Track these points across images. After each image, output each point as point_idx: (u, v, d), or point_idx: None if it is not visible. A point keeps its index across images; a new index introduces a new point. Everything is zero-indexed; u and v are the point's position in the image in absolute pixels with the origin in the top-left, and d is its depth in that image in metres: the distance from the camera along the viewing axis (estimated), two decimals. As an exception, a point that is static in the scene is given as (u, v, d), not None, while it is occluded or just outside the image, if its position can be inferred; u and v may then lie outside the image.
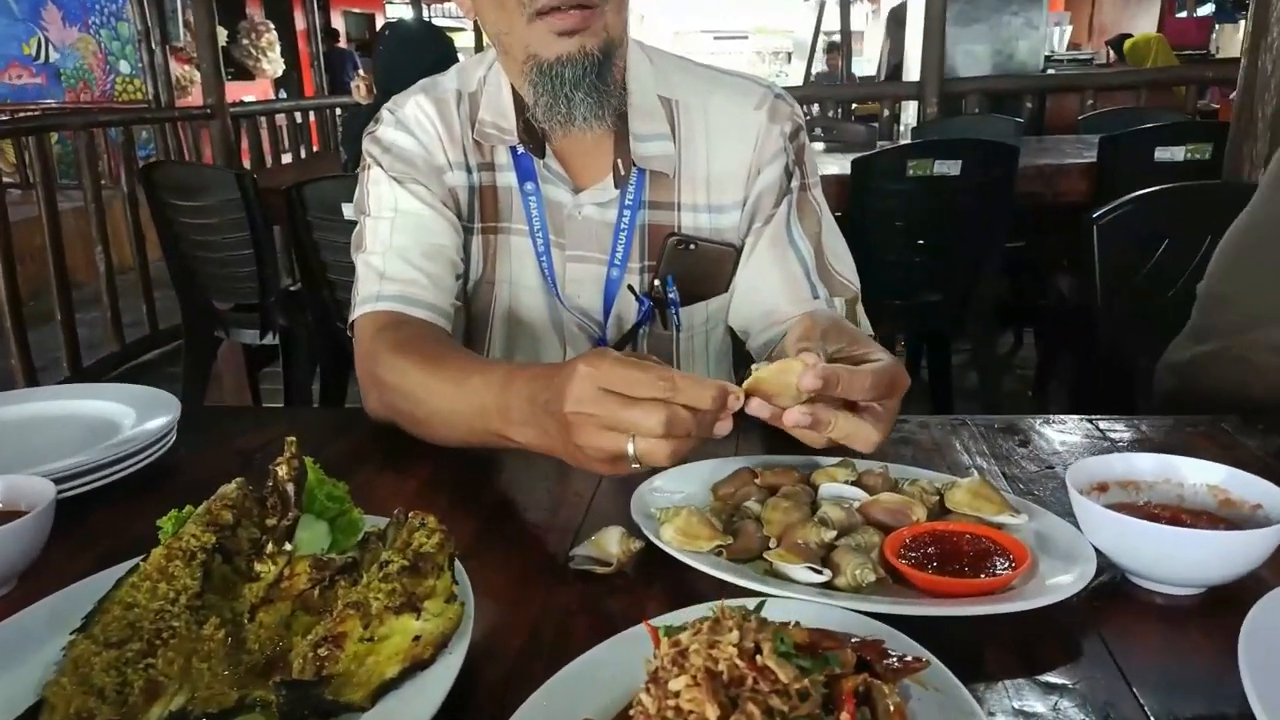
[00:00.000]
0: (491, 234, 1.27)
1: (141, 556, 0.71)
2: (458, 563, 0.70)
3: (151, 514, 0.85)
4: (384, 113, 1.29)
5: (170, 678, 0.61)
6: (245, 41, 11.45)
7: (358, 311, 1.21)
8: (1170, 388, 1.40)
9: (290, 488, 0.77)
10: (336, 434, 1.16)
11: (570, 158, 1.25)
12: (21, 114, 8.76)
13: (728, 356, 1.40)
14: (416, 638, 0.62)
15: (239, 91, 9.80)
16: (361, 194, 1.27)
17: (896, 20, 8.23)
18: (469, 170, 1.26)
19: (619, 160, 1.23)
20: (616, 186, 1.23)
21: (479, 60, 1.31)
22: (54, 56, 9.87)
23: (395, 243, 1.21)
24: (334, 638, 0.61)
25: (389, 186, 1.23)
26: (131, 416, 1.09)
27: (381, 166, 1.24)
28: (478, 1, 1.18)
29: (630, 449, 0.79)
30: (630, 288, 1.26)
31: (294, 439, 0.79)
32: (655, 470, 0.87)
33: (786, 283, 1.25)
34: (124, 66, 9.75)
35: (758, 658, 0.48)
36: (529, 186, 1.24)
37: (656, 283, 1.27)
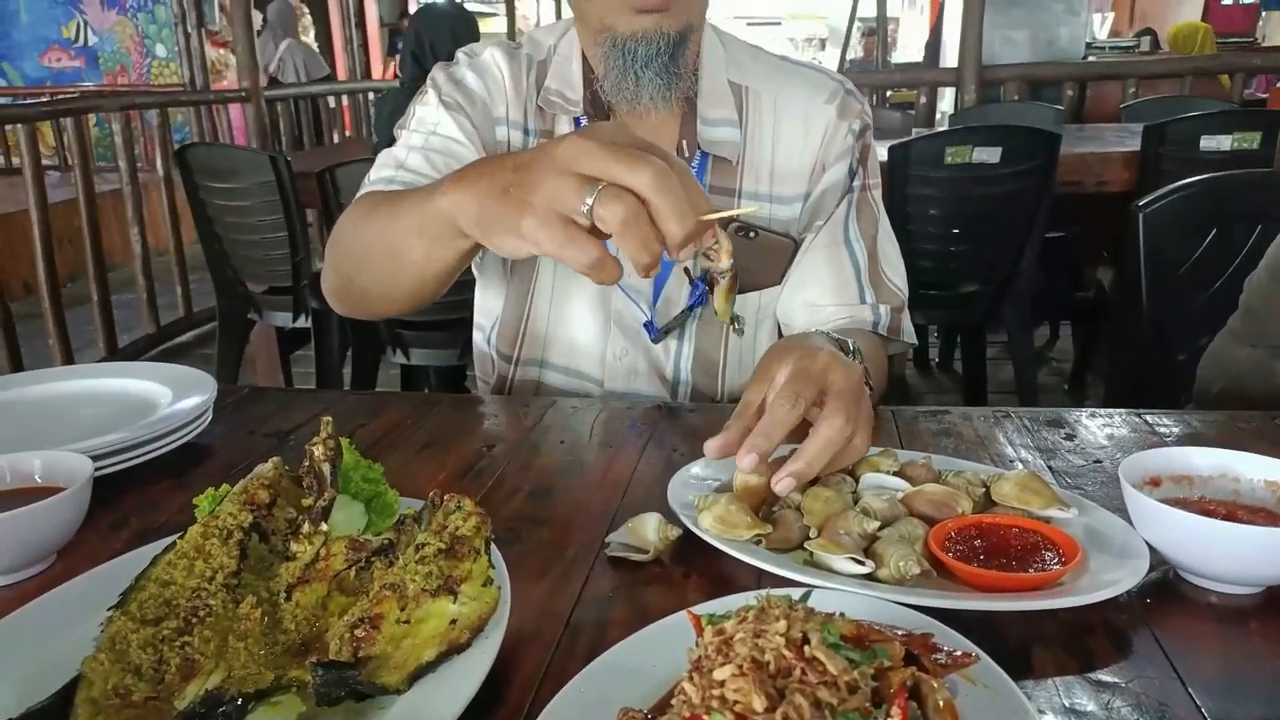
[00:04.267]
0: None
1: (178, 534, 0.70)
2: (494, 546, 0.69)
3: (187, 493, 0.85)
4: (460, 54, 1.29)
5: (206, 656, 0.61)
6: (280, 25, 11.49)
7: (363, 190, 1.19)
8: (1217, 390, 1.36)
9: (326, 468, 0.76)
10: (370, 416, 1.16)
11: None
12: (60, 96, 8.88)
13: None
14: (453, 621, 0.61)
15: (273, 75, 9.85)
16: (408, 114, 1.26)
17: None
18: (526, 133, 1.25)
19: (684, 141, 1.22)
20: None
21: (550, 29, 1.30)
22: (92, 40, 9.98)
23: (423, 148, 1.20)
24: (371, 619, 0.61)
25: (436, 110, 1.22)
26: (168, 396, 1.09)
27: (439, 92, 1.23)
28: None
29: (588, 200, 0.71)
30: (686, 269, 1.24)
31: (329, 419, 0.78)
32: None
33: (837, 282, 1.24)
34: (160, 50, 9.83)
35: (805, 648, 0.46)
36: None
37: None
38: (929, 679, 0.51)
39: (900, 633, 0.54)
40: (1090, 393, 3.71)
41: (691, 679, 0.48)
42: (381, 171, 1.19)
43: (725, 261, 0.78)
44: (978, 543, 0.74)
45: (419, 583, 0.62)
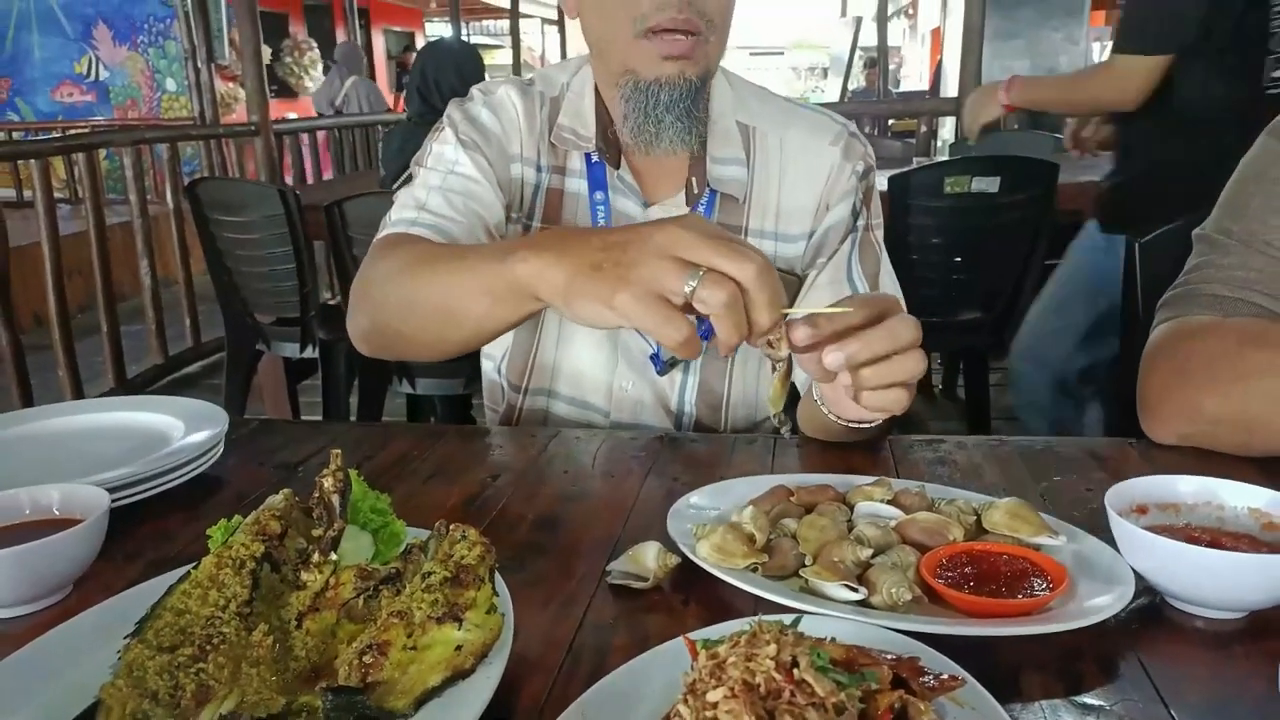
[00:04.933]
0: None
1: (192, 564, 0.73)
2: (498, 575, 0.72)
3: (200, 524, 0.88)
4: (474, 91, 1.32)
5: (221, 682, 0.63)
6: (289, 59, 11.68)
7: (385, 231, 1.20)
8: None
9: (336, 499, 0.79)
10: (377, 448, 1.18)
11: (643, 171, 1.27)
12: (71, 131, 9.00)
13: None
14: (458, 647, 0.63)
15: (282, 108, 10.01)
16: (424, 150, 1.28)
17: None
18: (539, 169, 1.28)
19: (694, 179, 1.26)
20: (689, 204, 1.25)
21: (562, 66, 1.34)
22: (103, 74, 10.15)
23: (442, 187, 1.22)
24: (378, 645, 0.63)
25: (454, 149, 1.25)
26: (180, 429, 1.11)
27: (455, 130, 1.26)
28: (584, 6, 1.21)
29: (691, 284, 0.74)
30: None
31: (339, 452, 0.81)
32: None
33: None
34: (170, 84, 9.99)
35: (795, 671, 0.48)
36: (599, 195, 1.27)
37: None
38: (916, 702, 0.54)
39: (889, 657, 0.56)
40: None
41: (686, 701, 0.50)
42: (403, 213, 1.21)
43: (784, 351, 0.81)
44: (968, 569, 0.76)
45: (425, 610, 0.65)
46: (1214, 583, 0.72)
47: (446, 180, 1.22)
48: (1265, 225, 1.12)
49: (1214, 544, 0.76)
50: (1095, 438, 1.14)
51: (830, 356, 0.78)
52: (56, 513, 0.87)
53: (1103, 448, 1.11)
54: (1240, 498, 0.80)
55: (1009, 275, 3.11)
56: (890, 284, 1.31)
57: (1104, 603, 0.71)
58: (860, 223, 1.29)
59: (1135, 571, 0.75)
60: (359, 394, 3.33)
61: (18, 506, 0.87)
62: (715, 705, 0.48)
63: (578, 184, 1.28)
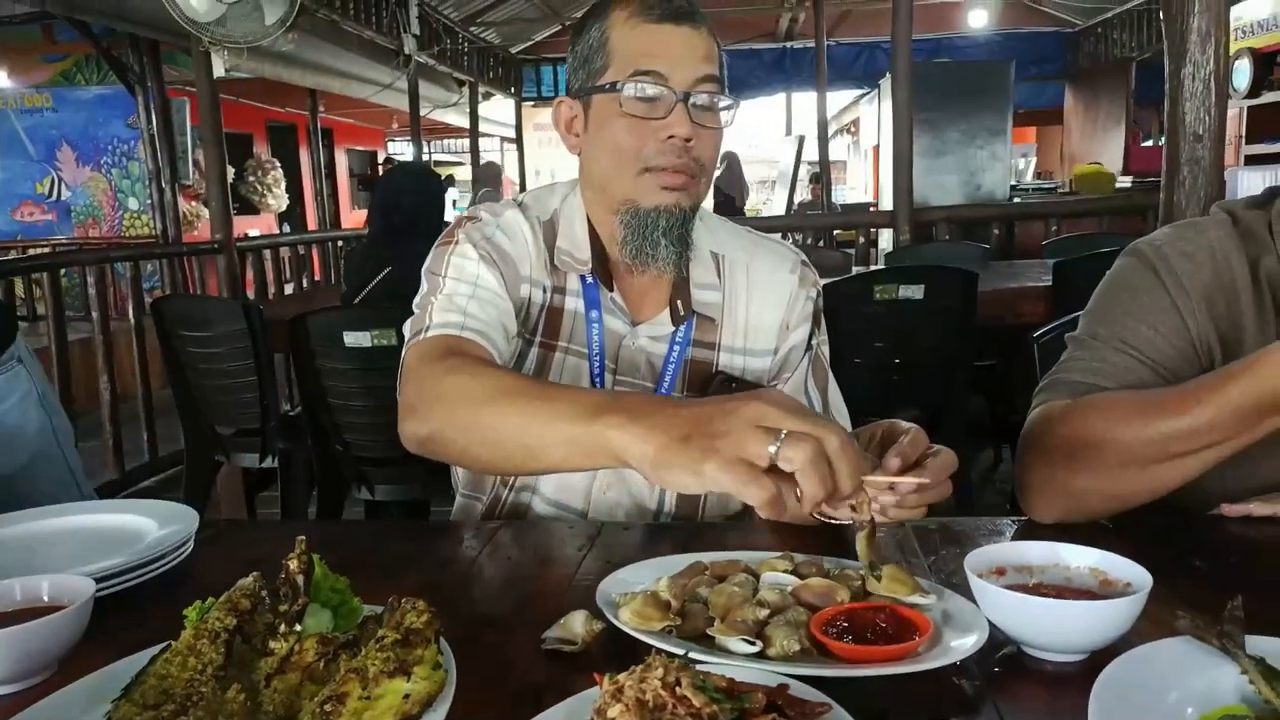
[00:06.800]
0: (550, 350, 1.41)
1: (171, 641, 0.83)
2: (442, 639, 0.83)
3: (173, 609, 0.97)
4: (483, 212, 1.41)
5: (200, 733, 0.73)
6: (252, 179, 11.94)
7: (434, 332, 1.26)
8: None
9: (300, 578, 0.89)
10: (339, 542, 1.28)
11: (630, 293, 1.42)
12: (31, 250, 9.08)
13: None
14: (406, 696, 0.74)
15: (243, 225, 10.17)
16: (441, 261, 1.35)
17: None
18: (544, 290, 1.41)
19: (679, 301, 1.41)
20: (674, 325, 1.40)
21: (550, 192, 1.48)
22: (65, 194, 10.27)
23: (474, 297, 1.30)
24: (338, 696, 0.73)
25: (476, 264, 1.33)
26: (154, 527, 1.21)
27: (475, 246, 1.35)
28: (587, 146, 1.37)
29: (774, 446, 0.83)
30: None
31: (304, 537, 0.92)
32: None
33: None
34: (133, 203, 10.14)
35: (677, 689, 0.60)
36: (594, 314, 1.40)
37: None
38: (786, 721, 0.65)
39: (763, 686, 0.68)
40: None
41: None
42: (447, 316, 1.28)
43: (867, 514, 0.96)
44: (849, 624, 0.88)
45: (378, 665, 0.75)
46: (1052, 629, 0.85)
47: (476, 291, 1.32)
48: (1124, 328, 1.29)
49: (1059, 598, 0.89)
50: (983, 518, 1.28)
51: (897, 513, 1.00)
52: (45, 600, 0.96)
53: (987, 525, 1.25)
54: (1080, 558, 0.94)
55: (939, 376, 3.30)
56: (835, 395, 1.48)
57: (960, 646, 0.84)
58: (814, 341, 1.47)
59: (996, 624, 0.88)
60: (318, 502, 3.40)
61: (10, 594, 0.96)
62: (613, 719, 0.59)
63: (575, 303, 1.41)
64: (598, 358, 1.40)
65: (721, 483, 0.85)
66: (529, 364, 1.41)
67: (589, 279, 1.40)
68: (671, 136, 1.29)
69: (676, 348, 1.41)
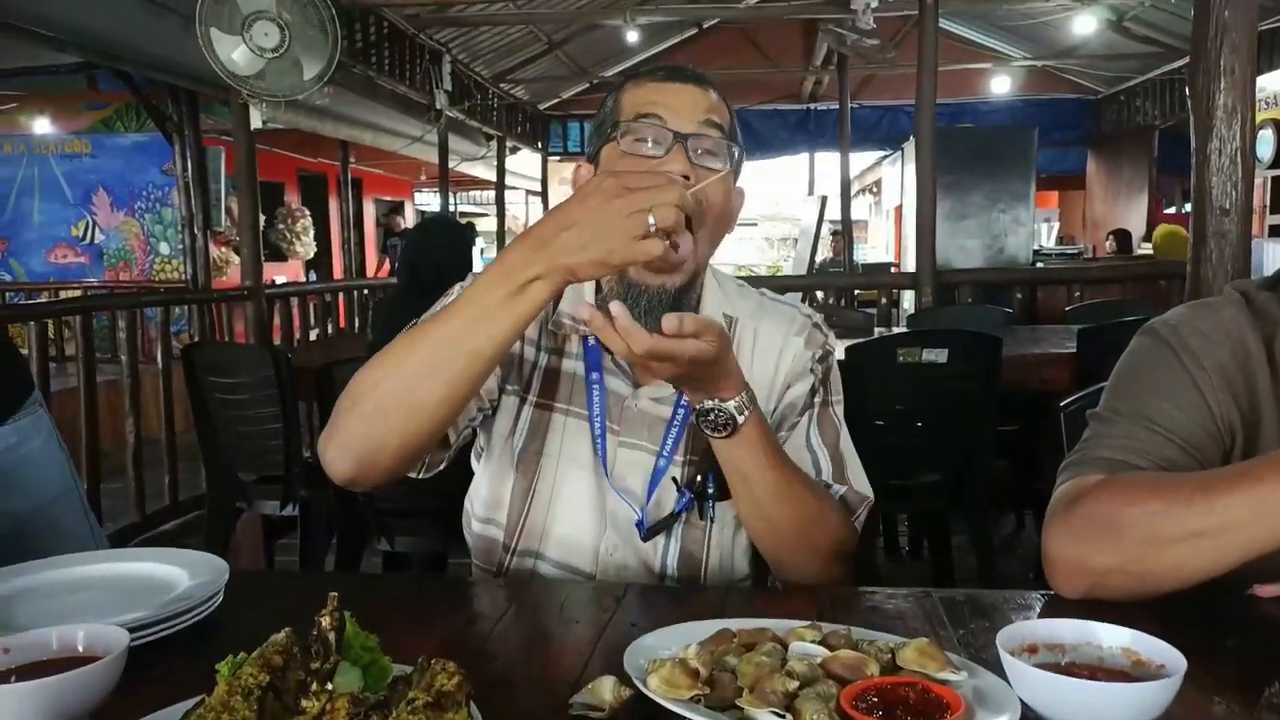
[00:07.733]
0: (548, 410, 1.43)
1: (205, 695, 0.83)
2: (473, 703, 0.83)
3: (202, 663, 0.98)
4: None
5: (232, 791, 0.73)
6: (281, 226, 12.14)
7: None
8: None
9: (332, 636, 0.90)
10: (358, 598, 1.29)
11: None
12: (62, 292, 9.23)
13: (751, 552, 1.49)
14: (438, 759, 0.74)
15: (272, 271, 10.33)
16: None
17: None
18: (539, 349, 1.43)
19: None
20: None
21: None
22: (99, 238, 10.48)
23: None
24: (370, 758, 0.74)
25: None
26: (184, 577, 1.22)
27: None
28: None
29: (650, 219, 1.01)
30: (674, 479, 1.40)
31: (336, 594, 0.93)
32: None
33: None
34: (164, 248, 10.32)
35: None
36: (594, 376, 1.41)
37: (699, 477, 1.40)
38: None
39: (797, 762, 0.68)
40: (1054, 581, 3.81)
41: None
42: None
43: None
44: (879, 699, 0.87)
45: (410, 728, 0.76)
46: (1086, 711, 0.84)
47: None
48: (1146, 405, 1.29)
49: (1091, 678, 0.88)
50: (1012, 591, 1.27)
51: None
52: (80, 650, 0.97)
53: (1016, 599, 1.24)
54: (1113, 638, 0.93)
55: (962, 440, 3.29)
56: (851, 455, 1.47)
57: (992, 726, 0.83)
58: (818, 399, 1.46)
59: (1024, 702, 0.87)
60: (337, 552, 3.40)
61: (46, 643, 0.97)
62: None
63: (574, 365, 1.43)
64: (599, 419, 1.40)
65: (630, 229, 1.03)
66: (524, 422, 1.43)
67: (591, 341, 1.41)
68: None
69: (680, 410, 1.41)
